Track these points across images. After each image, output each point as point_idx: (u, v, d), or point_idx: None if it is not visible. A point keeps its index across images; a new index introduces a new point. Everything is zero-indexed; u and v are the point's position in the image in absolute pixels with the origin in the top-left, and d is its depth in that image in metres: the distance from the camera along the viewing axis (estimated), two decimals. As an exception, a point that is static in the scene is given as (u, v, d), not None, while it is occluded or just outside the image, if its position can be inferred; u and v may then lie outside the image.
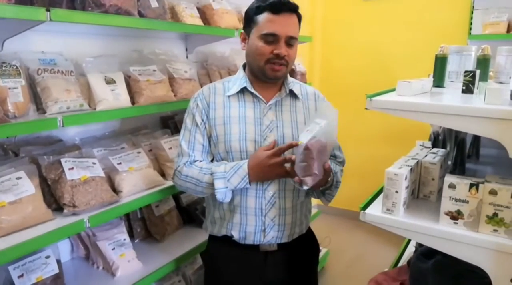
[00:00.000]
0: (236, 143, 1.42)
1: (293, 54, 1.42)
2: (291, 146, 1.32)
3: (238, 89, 1.45)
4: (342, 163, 1.61)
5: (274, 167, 1.34)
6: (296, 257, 1.54)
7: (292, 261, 1.53)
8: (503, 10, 2.84)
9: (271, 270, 1.50)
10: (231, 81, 1.51)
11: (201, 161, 1.47)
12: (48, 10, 1.31)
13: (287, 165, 1.34)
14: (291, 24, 1.39)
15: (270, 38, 1.37)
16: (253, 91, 1.45)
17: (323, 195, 1.50)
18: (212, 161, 1.50)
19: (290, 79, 1.52)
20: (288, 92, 1.48)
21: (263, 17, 1.38)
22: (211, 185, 1.39)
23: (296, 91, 1.50)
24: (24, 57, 1.50)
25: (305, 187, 1.29)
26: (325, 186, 1.43)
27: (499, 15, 2.84)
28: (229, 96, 1.47)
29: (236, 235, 1.47)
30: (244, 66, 1.52)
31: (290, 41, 1.39)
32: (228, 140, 1.43)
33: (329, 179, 1.40)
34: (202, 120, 1.46)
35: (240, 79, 1.47)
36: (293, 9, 1.40)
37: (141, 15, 1.75)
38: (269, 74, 1.41)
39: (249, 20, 1.44)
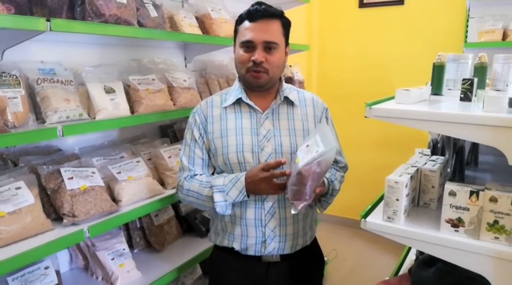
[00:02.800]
0: (233, 155, 1.42)
1: (274, 60, 1.40)
2: (279, 163, 1.31)
3: (234, 100, 1.46)
4: (343, 168, 1.60)
5: (262, 181, 1.32)
6: (299, 269, 1.53)
7: (295, 273, 1.52)
8: (498, 18, 2.87)
9: (274, 280, 1.49)
10: (228, 93, 1.52)
11: (201, 174, 1.48)
12: (48, 20, 1.32)
13: (277, 180, 1.33)
14: (268, 30, 1.39)
15: (247, 45, 1.39)
16: (248, 101, 1.45)
17: (318, 201, 1.50)
18: (213, 173, 1.51)
19: (285, 85, 1.52)
20: (282, 99, 1.48)
21: (242, 26, 1.42)
22: (211, 198, 1.39)
23: (292, 98, 1.49)
24: (23, 67, 1.50)
25: (293, 211, 1.29)
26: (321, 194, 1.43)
27: (495, 23, 2.87)
28: (225, 108, 1.47)
29: (237, 247, 1.47)
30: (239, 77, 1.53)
31: (269, 46, 1.39)
32: (226, 153, 1.43)
33: (323, 188, 1.40)
34: (200, 135, 1.48)
35: (235, 90, 1.48)
36: (271, 15, 1.40)
37: (140, 24, 1.76)
38: (251, 82, 1.42)
39: (235, 31, 1.48)
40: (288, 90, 1.51)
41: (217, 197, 1.38)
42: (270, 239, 1.44)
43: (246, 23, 1.40)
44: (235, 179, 1.37)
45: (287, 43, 1.48)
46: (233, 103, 1.47)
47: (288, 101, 1.49)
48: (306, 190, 1.25)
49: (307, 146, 1.27)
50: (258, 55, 1.37)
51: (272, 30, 1.40)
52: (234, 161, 1.42)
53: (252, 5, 1.42)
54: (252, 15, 1.39)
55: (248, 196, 1.37)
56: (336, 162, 1.58)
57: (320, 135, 1.27)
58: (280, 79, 1.51)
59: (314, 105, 1.54)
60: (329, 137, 1.22)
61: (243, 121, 1.45)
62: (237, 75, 1.53)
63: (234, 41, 1.49)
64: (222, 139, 1.44)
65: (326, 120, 1.55)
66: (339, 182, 1.53)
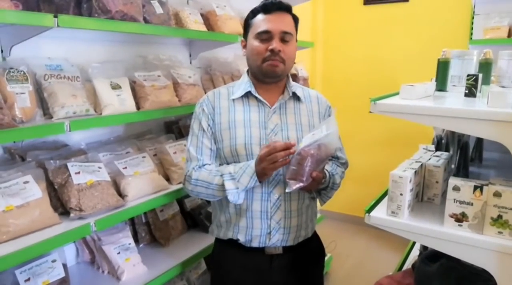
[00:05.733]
0: (241, 147, 1.43)
1: (289, 51, 1.44)
2: (288, 146, 1.29)
3: (243, 93, 1.48)
4: (344, 165, 1.62)
5: (263, 160, 1.31)
6: (301, 261, 1.54)
7: (297, 265, 1.53)
8: (504, 15, 2.86)
9: (277, 273, 1.50)
10: (235, 86, 1.53)
11: (210, 164, 1.49)
12: (55, 16, 1.33)
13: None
14: (284, 21, 1.43)
15: (264, 36, 1.42)
16: (257, 95, 1.47)
17: (319, 194, 1.52)
18: (220, 165, 1.51)
19: (292, 82, 1.55)
20: (291, 94, 1.50)
21: (257, 19, 1.45)
22: (222, 186, 1.39)
23: (299, 94, 1.52)
24: (31, 63, 1.52)
25: (288, 190, 1.32)
26: (320, 187, 1.45)
27: (500, 20, 2.85)
28: (233, 100, 1.48)
29: (242, 238, 1.48)
30: (248, 71, 1.55)
31: (285, 37, 1.42)
32: (233, 144, 1.44)
33: (323, 180, 1.42)
34: (209, 125, 1.48)
35: (244, 83, 1.50)
36: (285, 8, 1.45)
37: (146, 21, 1.77)
38: (268, 70, 1.43)
39: (246, 25, 1.51)
40: (295, 86, 1.54)
41: (229, 184, 1.38)
42: (274, 231, 1.46)
43: (262, 15, 1.44)
44: (245, 166, 1.38)
45: (296, 39, 1.51)
46: (241, 96, 1.48)
47: (295, 97, 1.52)
48: (303, 171, 1.28)
49: (313, 134, 1.31)
50: (277, 44, 1.40)
51: (287, 22, 1.44)
52: (242, 153, 1.43)
53: (265, 0, 1.46)
54: (267, 7, 1.43)
55: (260, 182, 1.37)
56: (337, 158, 1.60)
57: (326, 124, 1.32)
58: (287, 75, 1.53)
59: (319, 102, 1.58)
60: (332, 124, 1.28)
61: (251, 114, 1.47)
62: (245, 70, 1.54)
63: (245, 36, 1.51)
64: (230, 130, 1.45)
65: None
66: (340, 177, 1.55)
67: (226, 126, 1.46)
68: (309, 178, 1.30)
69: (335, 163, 1.58)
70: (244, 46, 1.52)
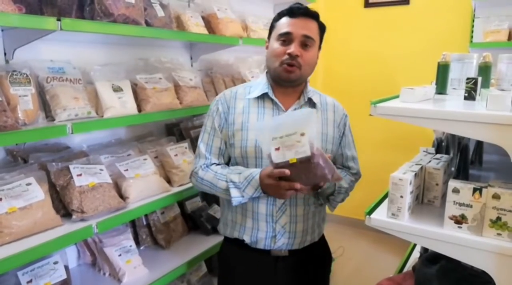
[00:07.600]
0: (252, 149, 1.43)
1: (309, 57, 1.43)
2: (282, 173, 1.26)
3: (260, 94, 1.47)
4: (355, 175, 1.62)
5: (269, 187, 1.33)
6: (307, 265, 1.54)
7: (303, 268, 1.54)
8: (504, 18, 2.87)
9: (282, 275, 1.51)
10: (253, 86, 1.53)
11: (217, 164, 1.49)
12: (58, 19, 1.35)
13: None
14: (307, 26, 1.43)
15: (285, 38, 1.41)
16: (273, 97, 1.46)
17: (327, 201, 1.52)
18: (228, 162, 1.52)
19: (310, 88, 1.53)
20: (306, 100, 1.49)
21: (281, 21, 1.46)
22: (226, 191, 1.40)
23: (315, 100, 1.51)
24: (34, 66, 1.53)
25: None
26: (329, 192, 1.45)
27: (500, 23, 2.87)
28: (249, 99, 1.48)
29: (247, 239, 1.49)
30: (267, 72, 1.53)
31: (306, 42, 1.42)
32: (244, 146, 1.44)
33: (323, 184, 1.39)
34: (220, 124, 1.49)
35: (262, 84, 1.49)
36: (311, 15, 1.45)
37: (147, 24, 1.78)
38: (283, 75, 1.42)
39: (271, 27, 1.51)
40: (312, 92, 1.53)
41: (234, 192, 1.39)
42: (280, 235, 1.46)
43: (286, 18, 1.44)
44: (250, 177, 1.37)
45: (319, 47, 1.51)
46: (257, 97, 1.48)
47: (310, 103, 1.51)
48: (325, 169, 1.26)
49: (278, 140, 1.25)
50: (295, 48, 1.39)
51: (310, 27, 1.44)
52: (252, 155, 1.43)
53: (293, 4, 1.46)
54: (293, 11, 1.44)
55: (264, 192, 1.38)
56: (348, 167, 1.59)
57: (280, 126, 1.27)
58: (306, 80, 1.52)
59: (335, 110, 1.56)
60: (307, 126, 1.24)
61: (265, 117, 1.46)
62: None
63: (269, 37, 1.51)
64: (242, 132, 1.45)
65: (344, 127, 1.58)
66: (346, 182, 1.52)
67: (239, 127, 1.46)
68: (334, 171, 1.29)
69: (345, 171, 1.58)
70: (267, 47, 1.51)
